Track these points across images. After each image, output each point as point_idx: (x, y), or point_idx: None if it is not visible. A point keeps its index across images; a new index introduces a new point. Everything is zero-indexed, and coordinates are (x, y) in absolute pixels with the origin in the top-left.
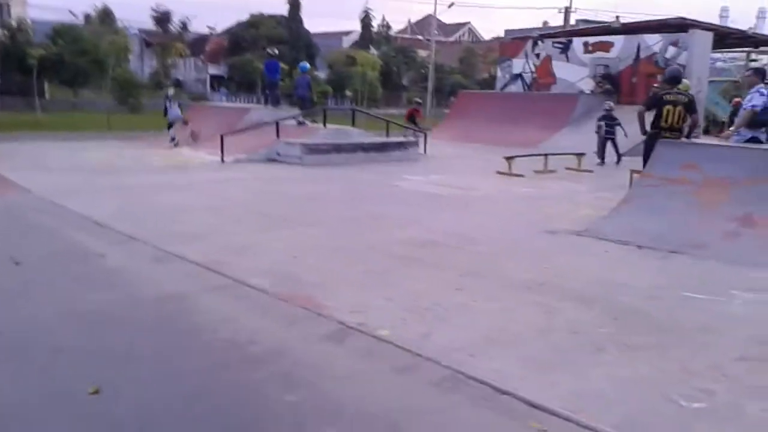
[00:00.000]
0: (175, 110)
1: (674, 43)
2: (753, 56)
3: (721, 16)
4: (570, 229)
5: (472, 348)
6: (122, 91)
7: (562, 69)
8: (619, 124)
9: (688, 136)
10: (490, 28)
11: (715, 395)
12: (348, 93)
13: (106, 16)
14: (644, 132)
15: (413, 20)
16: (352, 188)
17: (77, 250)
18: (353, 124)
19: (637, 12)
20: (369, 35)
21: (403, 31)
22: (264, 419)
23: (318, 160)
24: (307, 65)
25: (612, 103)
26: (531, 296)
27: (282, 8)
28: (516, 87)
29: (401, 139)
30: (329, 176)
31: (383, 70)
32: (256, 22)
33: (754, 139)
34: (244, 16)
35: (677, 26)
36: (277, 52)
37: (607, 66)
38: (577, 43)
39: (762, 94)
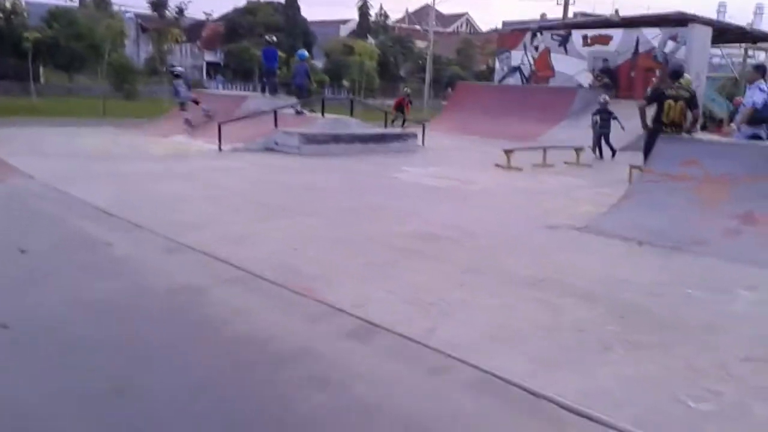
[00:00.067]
0: (185, 90)
1: (673, 38)
2: (750, 52)
3: (718, 12)
4: (570, 225)
5: (477, 345)
6: (118, 77)
7: (560, 62)
8: (615, 118)
9: (688, 132)
10: (487, 20)
11: (723, 396)
12: (345, 83)
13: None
14: (645, 127)
15: (411, 10)
16: (350, 179)
17: (83, 238)
18: (351, 114)
19: (635, 6)
20: (366, 24)
21: (401, 20)
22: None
23: (316, 150)
24: (306, 53)
25: (607, 97)
26: (533, 292)
27: None
28: (514, 79)
29: (399, 130)
30: (327, 166)
31: (381, 60)
32: (253, 8)
33: (755, 136)
34: (240, 2)
35: (676, 20)
36: (275, 39)
37: (605, 59)
38: (576, 36)
39: (762, 91)
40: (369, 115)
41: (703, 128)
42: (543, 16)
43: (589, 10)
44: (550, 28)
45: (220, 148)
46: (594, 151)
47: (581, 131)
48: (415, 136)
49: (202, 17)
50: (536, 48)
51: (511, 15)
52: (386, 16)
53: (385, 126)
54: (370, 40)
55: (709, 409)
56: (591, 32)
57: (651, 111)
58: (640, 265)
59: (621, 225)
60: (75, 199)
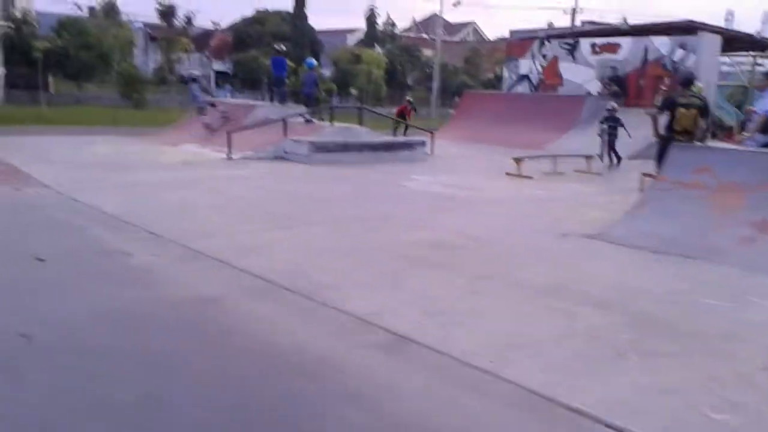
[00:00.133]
0: (201, 93)
1: (682, 46)
2: (759, 60)
3: (726, 20)
4: (582, 233)
5: (493, 354)
6: (127, 86)
7: (569, 70)
8: (622, 125)
9: (700, 141)
10: (494, 28)
11: (745, 406)
12: (353, 91)
13: (110, 9)
14: (657, 135)
15: (418, 19)
16: (360, 187)
17: (100, 247)
18: (360, 122)
19: (641, 14)
20: (374, 33)
21: (408, 29)
22: None
23: (325, 159)
24: (314, 62)
25: (615, 104)
26: (547, 301)
27: (287, 4)
28: (523, 87)
29: (408, 138)
30: (337, 175)
31: (388, 68)
32: (261, 18)
33: None
34: (248, 12)
35: (685, 29)
36: (284, 48)
37: (614, 68)
38: (585, 44)
39: None
40: (377, 124)
41: (713, 136)
42: (550, 24)
43: (596, 19)
44: (558, 36)
45: (229, 157)
46: (602, 158)
47: (590, 139)
48: (423, 144)
49: (211, 27)
50: (544, 56)
51: (517, 24)
52: (393, 25)
53: (394, 134)
54: (378, 49)
55: (732, 420)
56: (599, 40)
57: (663, 119)
58: (655, 273)
59: (634, 233)
60: (89, 207)
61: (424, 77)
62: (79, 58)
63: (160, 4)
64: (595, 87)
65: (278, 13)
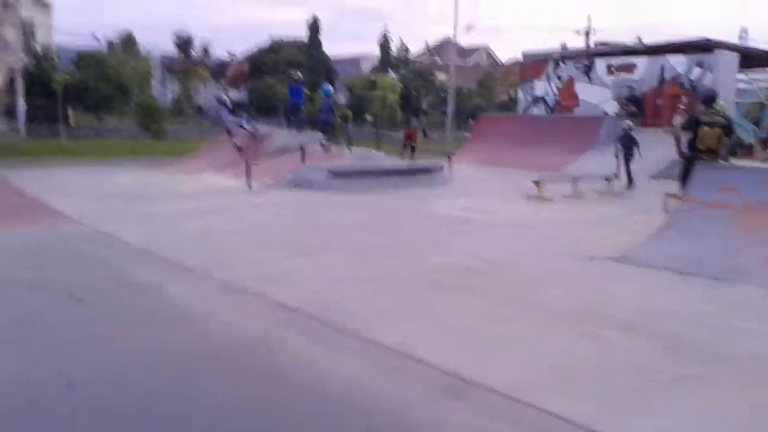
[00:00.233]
0: (229, 116)
1: (699, 64)
2: None
3: (740, 37)
4: (606, 255)
5: (533, 385)
6: (145, 117)
7: (585, 91)
8: (637, 146)
9: (725, 159)
10: (507, 51)
11: None
12: (368, 117)
13: (128, 41)
14: (681, 154)
15: (431, 43)
16: (379, 213)
17: (132, 281)
18: (378, 147)
19: (654, 33)
20: (387, 59)
21: (422, 54)
22: None
23: (344, 185)
24: (330, 88)
25: (630, 123)
26: (575, 326)
27: (301, 33)
28: (538, 109)
29: (426, 163)
30: (356, 201)
31: (403, 93)
32: (276, 47)
33: None
34: (262, 40)
35: (701, 47)
36: (301, 76)
37: (630, 87)
38: (600, 64)
39: None
40: (394, 149)
41: (733, 154)
42: (563, 46)
43: (609, 39)
44: (572, 57)
45: (248, 185)
46: (618, 177)
47: (608, 160)
48: (441, 168)
49: (226, 57)
50: (559, 77)
51: (530, 45)
52: (407, 50)
53: (410, 158)
54: (392, 74)
55: None
56: (615, 60)
57: (686, 138)
58: (682, 295)
59: (659, 254)
60: (114, 239)
61: (438, 101)
62: (98, 90)
63: (177, 36)
64: (611, 107)
65: (293, 42)
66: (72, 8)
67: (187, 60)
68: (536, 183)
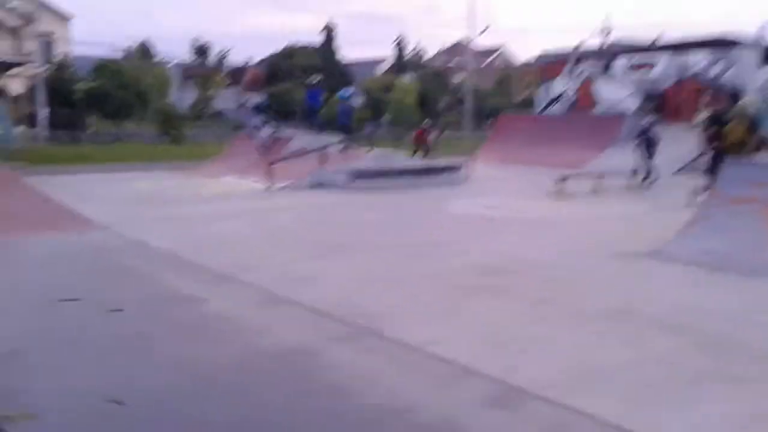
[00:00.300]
0: (257, 119)
1: (720, 60)
2: None
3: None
4: (636, 252)
5: (564, 384)
6: (164, 123)
7: (604, 89)
8: (656, 143)
9: (751, 154)
10: (523, 51)
11: None
12: (385, 119)
13: (146, 49)
14: (708, 149)
15: (447, 45)
16: (402, 213)
17: (169, 292)
18: (397, 148)
19: (672, 29)
20: (403, 61)
21: (438, 56)
22: None
23: (364, 185)
24: (348, 92)
25: (651, 120)
26: (611, 325)
27: (316, 39)
28: (558, 109)
29: (447, 162)
30: (377, 201)
31: (420, 94)
32: (291, 52)
33: None
34: (278, 46)
35: (722, 43)
36: (319, 80)
37: (651, 85)
38: (620, 62)
39: None
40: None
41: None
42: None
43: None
44: (591, 56)
45: (270, 188)
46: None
47: (630, 157)
48: (461, 167)
49: (243, 63)
50: (578, 76)
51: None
52: (422, 53)
53: (426, 157)
54: (408, 76)
55: None
56: (634, 58)
57: (711, 133)
58: (717, 291)
59: (687, 250)
60: (145, 246)
61: (455, 102)
62: (118, 98)
63: (194, 43)
64: (632, 105)
65: (308, 47)
66: (90, 19)
67: (205, 66)
68: (559, 180)
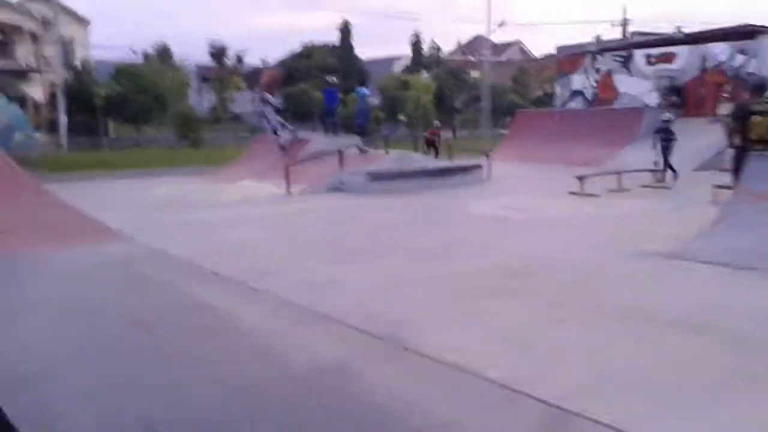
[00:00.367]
0: (275, 117)
1: (742, 51)
2: None
3: None
4: (658, 251)
5: (593, 390)
6: (183, 127)
7: (624, 83)
8: (675, 139)
9: None
10: (540, 46)
11: None
12: (401, 118)
13: (164, 53)
14: (731, 145)
15: (462, 41)
16: (421, 215)
17: (196, 304)
18: (415, 149)
19: (691, 21)
20: (420, 59)
21: (454, 52)
22: None
23: (383, 187)
24: (365, 91)
25: (670, 115)
26: (633, 326)
27: (332, 37)
28: (576, 103)
29: (465, 162)
30: (396, 203)
31: (436, 92)
32: (308, 52)
33: None
34: (291, 46)
35: (743, 33)
36: (335, 80)
37: (671, 78)
38: (639, 55)
39: None
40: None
41: None
42: (598, 37)
43: (645, 29)
44: (610, 49)
45: (288, 191)
46: (664, 170)
47: (651, 153)
48: (480, 167)
49: (259, 64)
50: (597, 70)
51: (563, 39)
52: (439, 50)
53: (450, 158)
54: (425, 74)
55: None
56: (654, 51)
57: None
58: (738, 290)
59: (711, 248)
60: (169, 256)
61: (472, 99)
62: (137, 102)
63: (212, 45)
64: (652, 98)
65: (325, 46)
66: (108, 23)
67: (222, 69)
68: (580, 178)
